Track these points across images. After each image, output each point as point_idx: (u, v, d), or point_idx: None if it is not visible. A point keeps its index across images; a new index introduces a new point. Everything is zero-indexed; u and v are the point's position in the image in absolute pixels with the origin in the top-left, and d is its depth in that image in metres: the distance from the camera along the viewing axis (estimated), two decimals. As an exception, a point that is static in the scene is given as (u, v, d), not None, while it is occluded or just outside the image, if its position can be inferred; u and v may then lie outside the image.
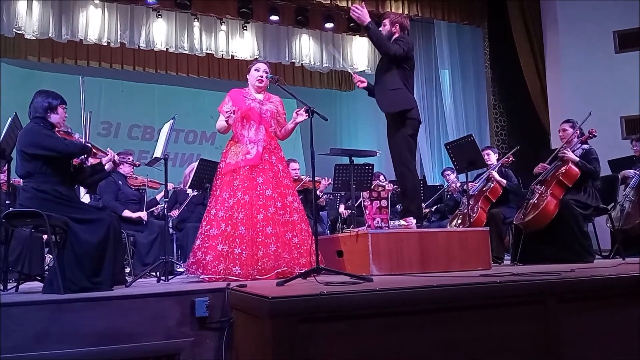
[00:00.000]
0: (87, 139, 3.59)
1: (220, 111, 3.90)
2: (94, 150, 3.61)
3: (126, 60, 9.41)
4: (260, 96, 4.00)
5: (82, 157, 3.56)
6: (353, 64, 10.02)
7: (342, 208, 7.08)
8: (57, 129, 3.46)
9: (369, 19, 4.03)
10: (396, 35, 4.22)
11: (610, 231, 5.44)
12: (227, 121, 3.80)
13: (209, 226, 3.72)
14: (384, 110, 4.21)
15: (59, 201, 3.25)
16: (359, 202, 6.11)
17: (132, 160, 5.12)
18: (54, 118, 3.42)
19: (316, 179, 6.42)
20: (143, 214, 5.37)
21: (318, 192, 6.54)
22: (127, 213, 5.22)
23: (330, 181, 6.26)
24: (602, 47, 7.74)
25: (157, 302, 2.75)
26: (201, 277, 3.60)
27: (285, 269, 3.60)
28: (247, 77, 4.06)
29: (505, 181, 5.41)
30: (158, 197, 5.93)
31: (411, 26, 9.66)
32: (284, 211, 3.79)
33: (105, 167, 3.66)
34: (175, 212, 6.11)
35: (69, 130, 3.61)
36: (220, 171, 3.88)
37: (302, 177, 6.35)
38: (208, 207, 3.85)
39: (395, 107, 4.14)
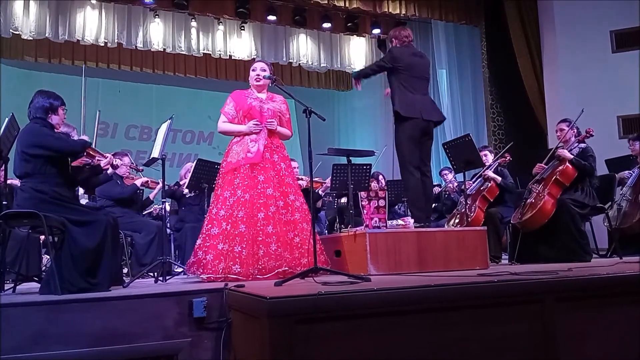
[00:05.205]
0: (94, 139, 3.61)
1: (223, 112, 3.94)
2: (92, 152, 3.61)
3: (123, 60, 9.40)
4: (262, 95, 4.01)
5: (88, 160, 3.57)
6: (351, 63, 10.02)
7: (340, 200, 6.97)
8: (56, 130, 3.45)
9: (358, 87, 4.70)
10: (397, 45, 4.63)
11: (608, 230, 5.44)
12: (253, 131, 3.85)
13: (210, 225, 3.70)
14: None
15: (57, 202, 3.23)
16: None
17: (132, 163, 5.14)
18: (54, 119, 3.41)
19: (319, 180, 6.49)
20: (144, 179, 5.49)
21: (320, 192, 6.52)
22: (138, 181, 5.30)
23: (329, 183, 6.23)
24: (599, 47, 7.75)
25: (154, 303, 2.74)
26: (201, 276, 3.57)
27: (287, 269, 3.55)
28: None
29: (500, 178, 5.42)
30: (151, 196, 5.91)
31: (408, 26, 9.79)
32: (286, 210, 3.76)
33: (105, 170, 3.66)
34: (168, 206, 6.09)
35: (69, 130, 3.62)
36: (222, 170, 3.88)
37: (302, 176, 6.33)
38: (210, 207, 3.84)
39: (393, 106, 4.43)
